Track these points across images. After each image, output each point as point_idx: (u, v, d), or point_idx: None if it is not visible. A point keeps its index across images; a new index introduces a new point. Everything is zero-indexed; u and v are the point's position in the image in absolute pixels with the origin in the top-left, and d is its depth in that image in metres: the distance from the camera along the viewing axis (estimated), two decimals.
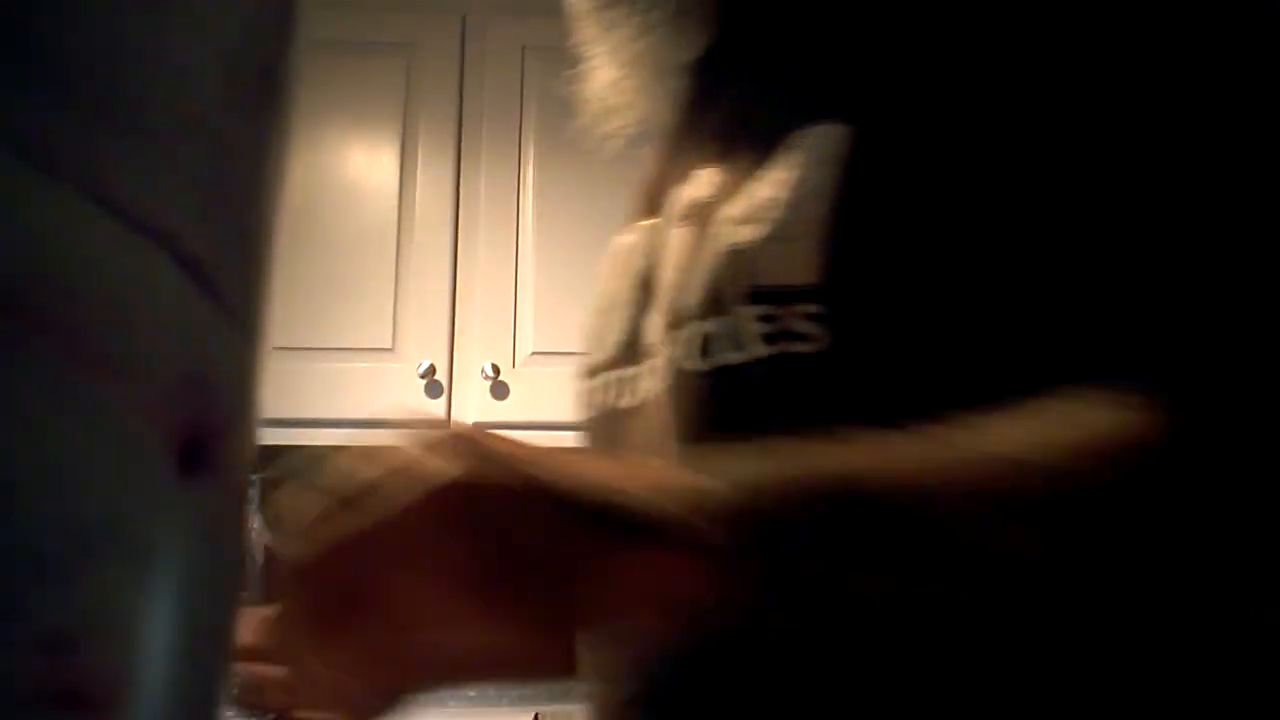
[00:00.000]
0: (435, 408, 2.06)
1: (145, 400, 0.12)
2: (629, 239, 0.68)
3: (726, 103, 0.66)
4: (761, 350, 0.56)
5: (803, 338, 0.55)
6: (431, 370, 2.11)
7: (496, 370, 2.09)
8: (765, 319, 0.56)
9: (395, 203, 2.23)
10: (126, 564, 0.12)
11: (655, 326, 0.61)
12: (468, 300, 2.19)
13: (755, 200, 0.57)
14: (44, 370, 0.11)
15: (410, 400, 2.06)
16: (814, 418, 0.53)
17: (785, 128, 0.59)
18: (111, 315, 0.12)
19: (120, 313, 0.12)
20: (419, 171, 2.16)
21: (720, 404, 0.57)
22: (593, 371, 0.66)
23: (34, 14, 0.12)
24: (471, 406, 2.07)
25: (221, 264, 0.14)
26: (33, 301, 0.11)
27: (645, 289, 0.64)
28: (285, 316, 1.84)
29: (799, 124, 0.58)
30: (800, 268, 0.56)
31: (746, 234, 0.57)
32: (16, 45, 0.12)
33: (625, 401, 0.63)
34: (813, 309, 0.55)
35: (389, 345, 2.20)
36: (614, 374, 0.63)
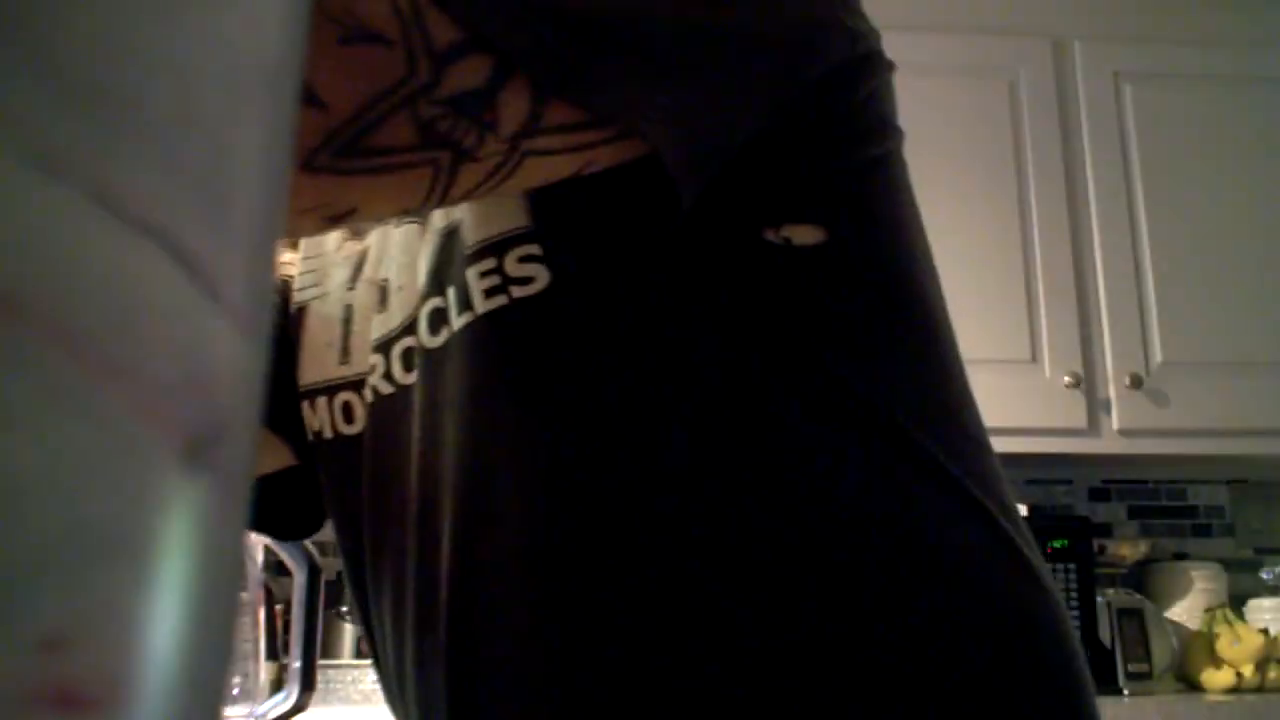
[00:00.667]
0: None
1: (145, 400, 0.12)
2: (356, 245, 0.71)
3: None
4: (485, 305, 0.57)
5: (526, 280, 0.56)
6: None
7: None
8: (486, 274, 0.58)
9: None
10: (126, 564, 0.12)
11: (388, 320, 0.64)
12: None
13: None
14: (43, 371, 0.11)
15: None
16: (553, 351, 0.57)
17: None
18: (111, 315, 0.12)
19: (120, 313, 0.12)
20: None
21: (468, 364, 0.59)
22: (341, 380, 0.68)
23: (33, 12, 0.12)
24: None
25: (221, 264, 0.14)
26: (32, 302, 0.11)
27: (379, 291, 0.67)
28: None
29: None
30: (511, 215, 0.57)
31: (457, 211, 0.59)
32: (16, 44, 0.12)
33: (380, 400, 0.65)
34: (532, 250, 0.56)
35: None
36: (373, 376, 0.65)
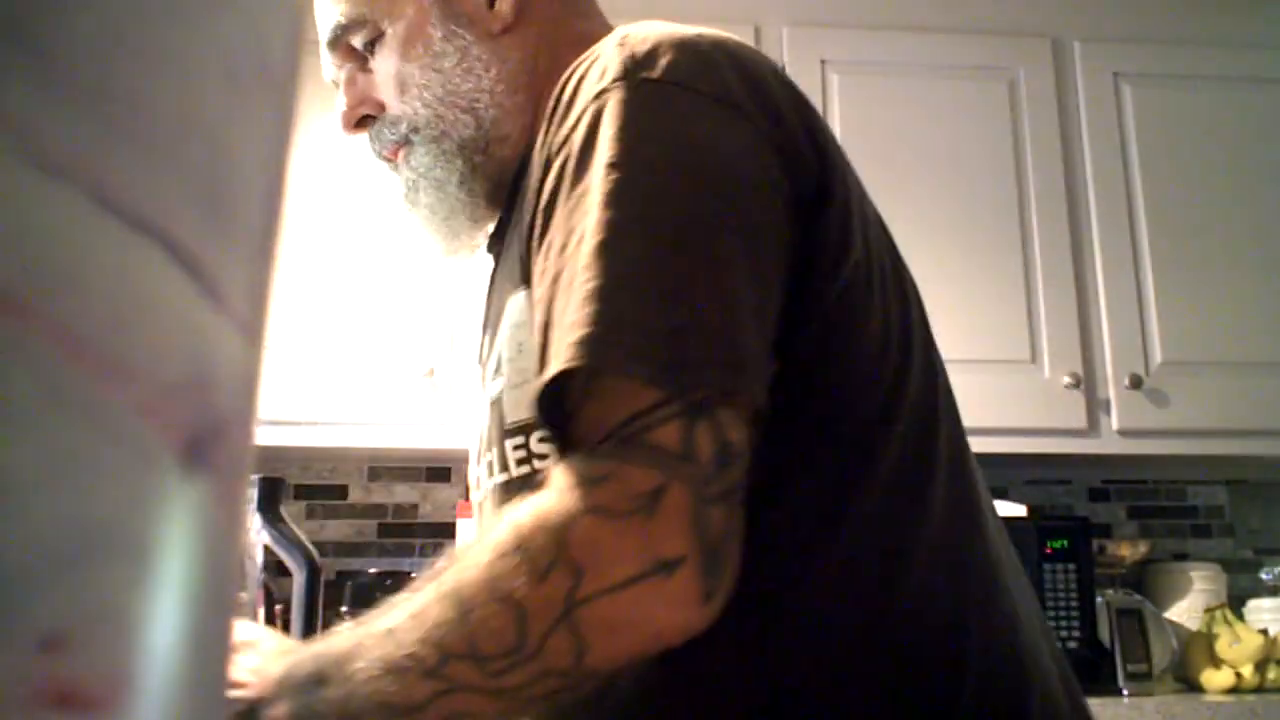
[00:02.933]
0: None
1: (145, 400, 0.12)
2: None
3: (494, 271, 0.86)
4: (517, 471, 0.72)
5: (543, 457, 0.70)
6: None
7: None
8: (517, 448, 0.72)
9: None
10: (126, 564, 0.12)
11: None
12: None
13: (495, 355, 0.75)
14: (44, 370, 0.11)
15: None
16: None
17: (504, 296, 0.76)
18: (111, 315, 0.12)
19: (120, 313, 0.12)
20: None
21: (501, 508, 0.71)
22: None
23: (32, 11, 0.12)
24: None
25: (221, 264, 0.14)
26: (33, 302, 0.11)
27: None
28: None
29: (510, 290, 0.75)
30: (530, 406, 0.68)
31: (495, 387, 0.74)
32: (15, 43, 0.12)
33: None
34: (546, 434, 0.67)
35: None
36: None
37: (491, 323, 0.80)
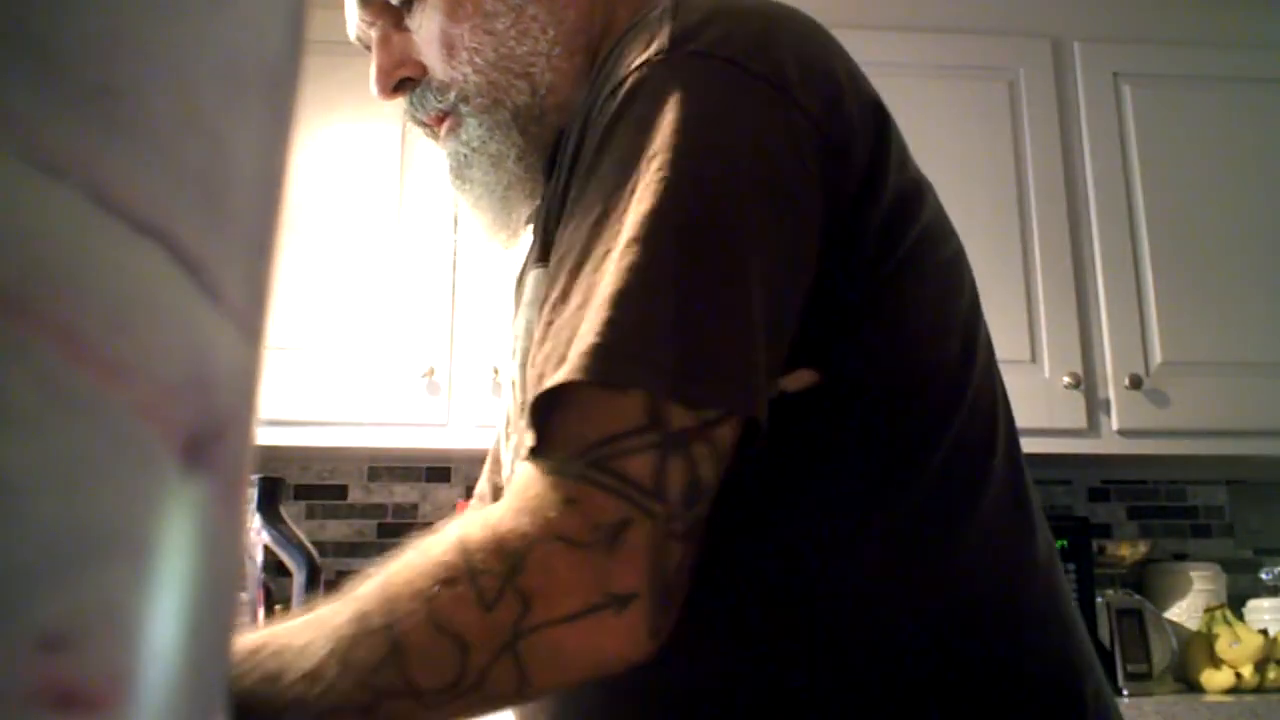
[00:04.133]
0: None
1: (145, 400, 0.12)
2: None
3: (530, 243, 0.82)
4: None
5: None
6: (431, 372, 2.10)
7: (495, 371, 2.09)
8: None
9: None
10: (126, 564, 0.12)
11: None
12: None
13: (514, 338, 0.73)
14: (44, 370, 0.11)
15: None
16: None
17: (524, 271, 0.75)
18: (111, 315, 0.12)
19: (120, 313, 0.12)
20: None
21: None
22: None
23: (32, 11, 0.12)
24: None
25: (221, 264, 0.14)
26: (33, 302, 0.11)
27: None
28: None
29: (531, 268, 0.72)
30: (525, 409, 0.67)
31: (513, 368, 0.72)
32: (15, 43, 0.12)
33: None
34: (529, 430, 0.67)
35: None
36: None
37: (516, 300, 0.77)
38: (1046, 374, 2.25)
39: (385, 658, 0.55)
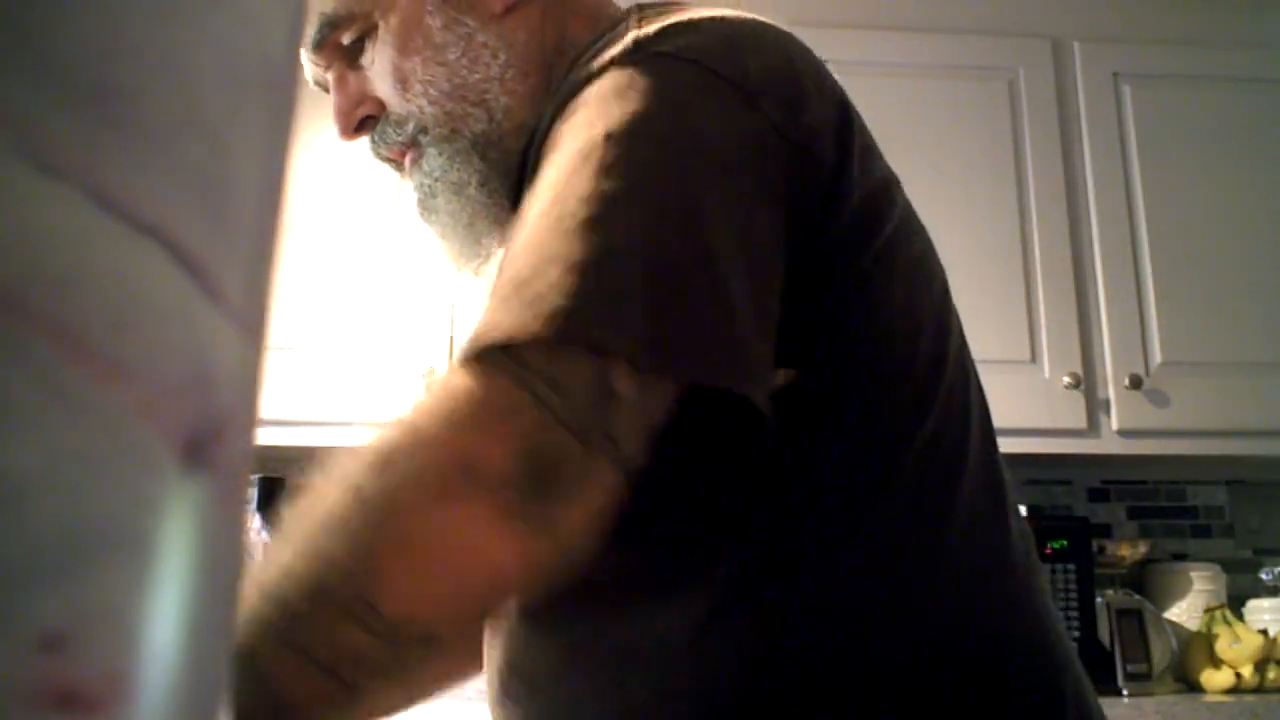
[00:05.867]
0: None
1: (145, 400, 0.12)
2: None
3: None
4: None
5: None
6: None
7: None
8: None
9: None
10: (126, 564, 0.12)
11: None
12: None
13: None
14: (44, 370, 0.11)
15: None
16: None
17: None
18: (111, 315, 0.12)
19: (120, 313, 0.12)
20: None
21: None
22: None
23: (32, 11, 0.12)
24: None
25: (222, 264, 0.14)
26: (33, 301, 0.11)
27: None
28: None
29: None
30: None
31: None
32: (15, 43, 0.12)
33: None
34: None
35: None
36: None
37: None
38: (1046, 374, 2.25)
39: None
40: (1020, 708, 0.64)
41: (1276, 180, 2.42)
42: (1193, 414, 2.27)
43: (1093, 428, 2.25)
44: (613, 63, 0.64)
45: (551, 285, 0.55)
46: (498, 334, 0.55)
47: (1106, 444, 2.25)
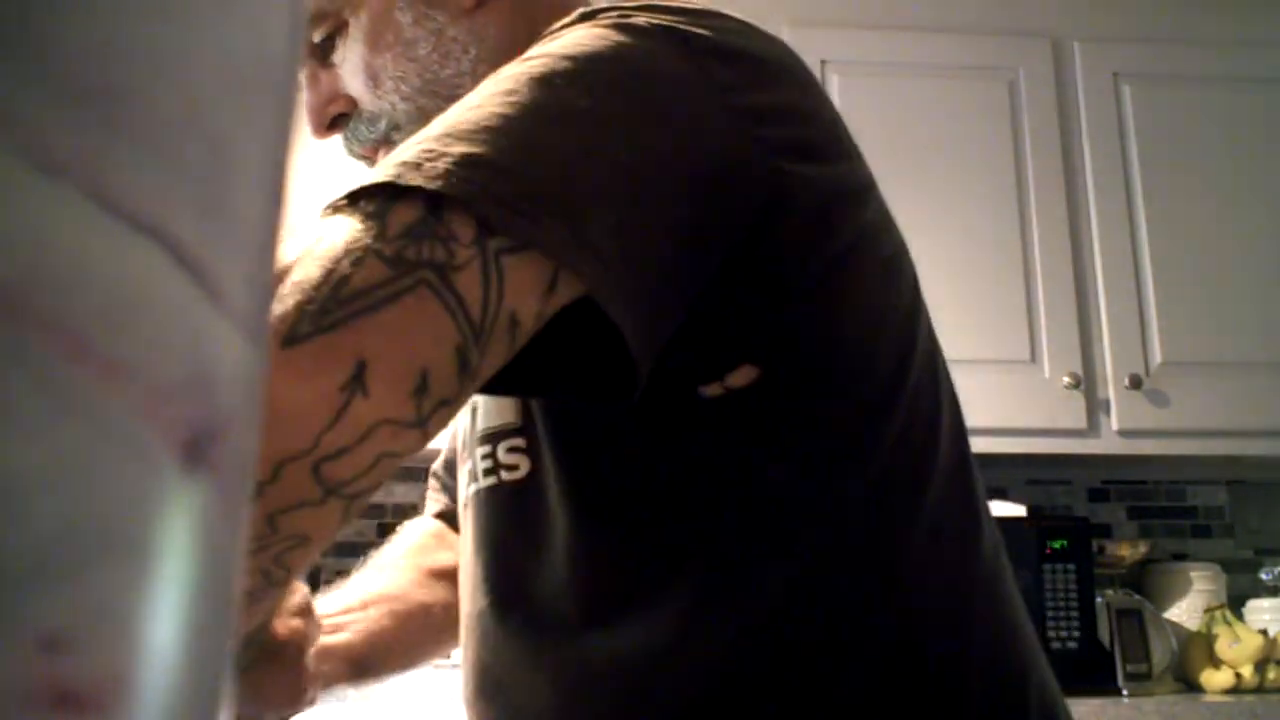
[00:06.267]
0: None
1: (145, 400, 0.12)
2: None
3: None
4: (484, 481, 0.70)
5: (512, 468, 0.68)
6: None
7: None
8: (485, 456, 0.70)
9: None
10: (126, 564, 0.12)
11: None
12: None
13: None
14: (43, 370, 0.11)
15: None
16: (530, 525, 0.69)
17: None
18: (111, 315, 0.12)
19: (120, 313, 0.12)
20: None
21: (473, 520, 0.72)
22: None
23: (33, 11, 0.12)
24: None
25: (222, 263, 0.14)
26: (33, 301, 0.11)
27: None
28: None
29: None
30: (505, 412, 0.68)
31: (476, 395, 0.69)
32: (15, 43, 0.12)
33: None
34: (518, 443, 0.67)
35: None
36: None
37: None
38: (1046, 374, 2.25)
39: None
40: (983, 708, 0.64)
41: (1276, 180, 2.42)
42: (1193, 414, 2.27)
43: (1093, 428, 2.25)
44: (575, 23, 0.63)
45: (456, 136, 0.52)
46: (389, 175, 0.52)
47: (1106, 444, 2.25)
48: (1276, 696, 2.09)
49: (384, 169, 0.52)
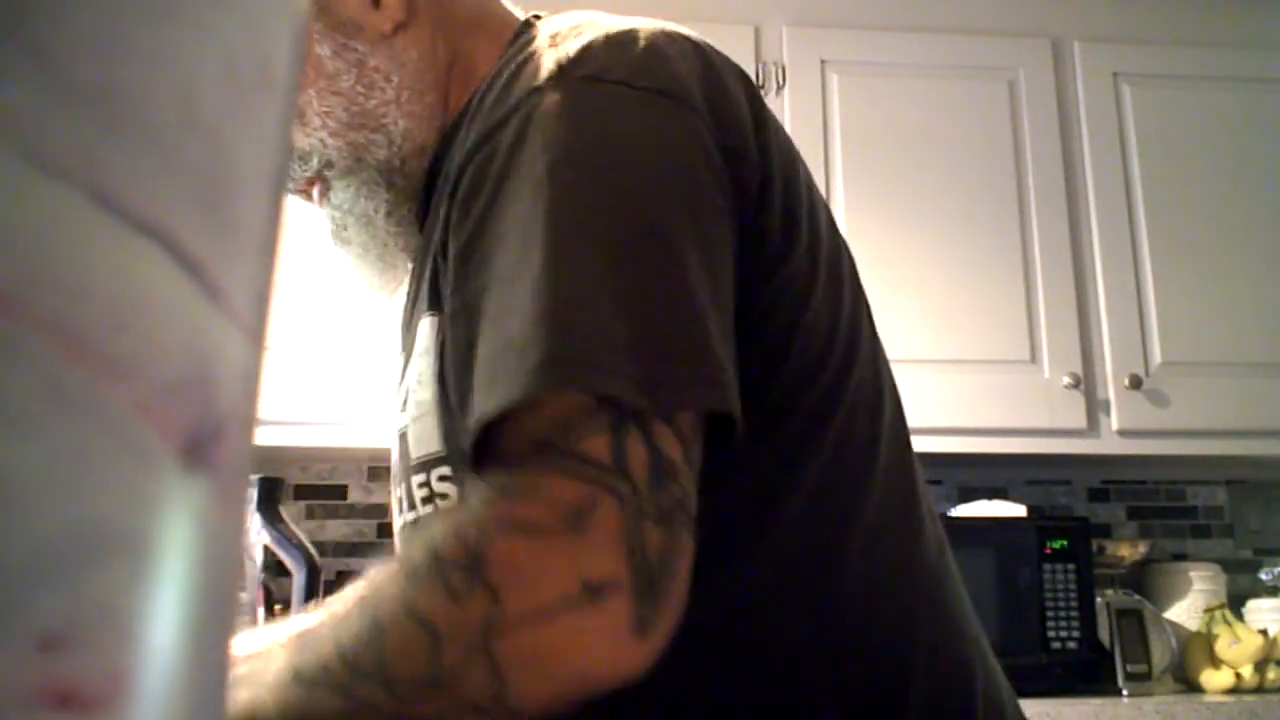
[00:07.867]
0: None
1: (145, 400, 0.12)
2: None
3: (408, 291, 0.82)
4: (423, 510, 0.69)
5: (445, 495, 0.67)
6: None
7: None
8: (421, 485, 0.69)
9: None
10: (126, 564, 0.12)
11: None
12: None
13: (404, 386, 0.70)
14: (43, 370, 0.11)
15: None
16: None
17: (413, 319, 0.72)
18: (111, 315, 0.12)
19: (120, 313, 0.12)
20: None
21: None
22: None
23: (32, 11, 0.12)
24: None
25: (222, 264, 0.14)
26: (32, 302, 0.11)
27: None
28: None
29: (419, 315, 0.71)
30: (431, 440, 0.67)
31: (402, 420, 0.70)
32: (16, 44, 0.12)
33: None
34: (445, 471, 0.66)
35: None
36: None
37: (405, 347, 0.75)
38: (1046, 374, 2.25)
39: (367, 636, 0.53)
40: (930, 712, 0.64)
41: (1276, 180, 2.42)
42: (1193, 414, 2.27)
43: (1093, 428, 2.25)
44: (541, 88, 0.63)
45: (532, 341, 0.54)
46: (491, 407, 0.54)
47: (1106, 444, 2.25)
48: (1276, 696, 2.09)
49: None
